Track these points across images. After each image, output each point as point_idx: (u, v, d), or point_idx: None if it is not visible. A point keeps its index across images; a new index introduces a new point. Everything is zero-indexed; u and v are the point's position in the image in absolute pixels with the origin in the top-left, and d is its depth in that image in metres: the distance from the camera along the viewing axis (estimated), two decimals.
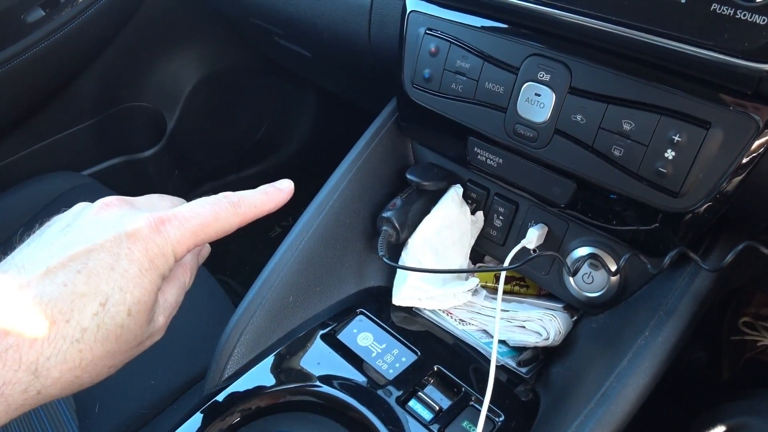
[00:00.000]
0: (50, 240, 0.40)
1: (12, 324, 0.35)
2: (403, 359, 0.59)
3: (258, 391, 0.56)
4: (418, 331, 0.63)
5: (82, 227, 0.41)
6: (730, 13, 0.40)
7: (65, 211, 0.44)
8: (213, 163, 1.55)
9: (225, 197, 0.45)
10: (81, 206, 0.44)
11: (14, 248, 0.42)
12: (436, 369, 0.58)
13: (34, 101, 1.18)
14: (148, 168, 1.41)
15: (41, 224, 0.43)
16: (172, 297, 0.45)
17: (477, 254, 0.71)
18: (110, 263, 0.39)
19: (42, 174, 1.14)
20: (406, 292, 0.63)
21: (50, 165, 1.23)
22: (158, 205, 0.47)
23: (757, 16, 0.39)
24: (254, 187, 0.47)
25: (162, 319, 0.44)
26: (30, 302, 0.36)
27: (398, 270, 0.66)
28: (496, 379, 0.53)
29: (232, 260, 1.52)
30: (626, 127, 0.49)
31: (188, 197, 1.38)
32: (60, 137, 1.26)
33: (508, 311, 0.64)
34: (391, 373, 0.58)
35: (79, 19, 1.10)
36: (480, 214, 0.68)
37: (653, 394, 0.50)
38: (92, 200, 0.45)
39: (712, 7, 0.41)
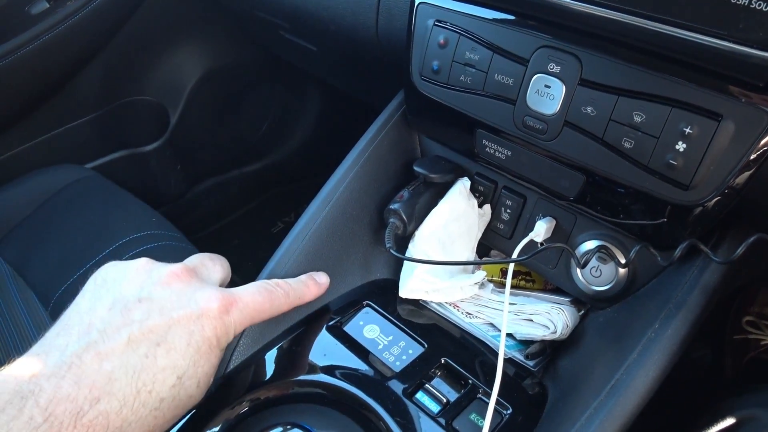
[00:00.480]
0: (127, 305, 0.44)
1: (103, 392, 0.39)
2: (410, 351, 0.59)
3: (264, 382, 0.56)
4: (424, 324, 0.63)
5: (159, 297, 0.45)
6: (744, 2, 0.40)
7: (127, 259, 0.48)
8: (216, 158, 1.55)
9: (278, 286, 0.52)
10: (145, 266, 0.48)
11: (78, 290, 0.46)
12: (443, 361, 0.58)
13: (37, 93, 1.18)
14: (151, 162, 1.41)
15: (96, 268, 0.48)
16: (213, 369, 0.49)
17: (484, 247, 0.71)
18: (187, 339, 0.43)
19: (45, 166, 1.14)
20: (412, 284, 0.63)
21: (53, 158, 1.23)
22: (211, 270, 0.52)
23: None
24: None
25: (211, 382, 0.48)
26: (118, 372, 0.40)
27: (405, 262, 0.66)
28: (504, 372, 0.53)
29: (236, 255, 1.52)
30: (637, 119, 0.49)
31: (190, 191, 1.38)
32: (63, 130, 1.26)
33: (515, 304, 0.64)
34: (398, 366, 0.57)
35: (83, 11, 1.10)
36: (487, 207, 0.68)
37: (659, 390, 0.49)
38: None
39: None
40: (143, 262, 0.49)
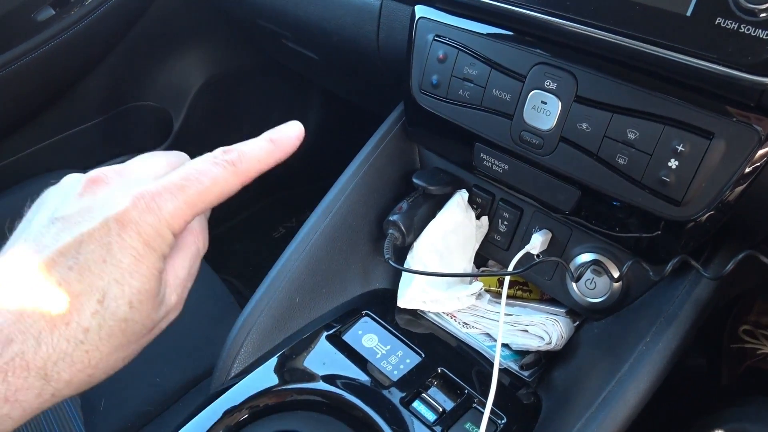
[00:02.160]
0: (40, 231, 0.37)
1: (14, 331, 0.34)
2: (408, 361, 0.60)
3: (264, 389, 0.57)
4: (422, 334, 0.64)
5: (69, 214, 0.37)
6: (734, 27, 0.41)
7: (53, 184, 0.40)
8: None
9: (221, 154, 0.40)
10: (67, 182, 0.40)
11: (7, 239, 0.38)
12: (440, 371, 0.59)
13: (42, 99, 1.19)
14: None
15: (29, 205, 0.40)
16: (183, 270, 0.41)
17: (481, 259, 0.72)
18: (102, 255, 0.36)
19: (49, 171, 1.15)
20: (411, 294, 0.64)
21: (57, 163, 1.24)
22: (154, 169, 0.41)
23: (760, 30, 0.40)
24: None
25: (174, 298, 0.41)
26: (28, 307, 0.35)
27: (403, 273, 0.67)
28: (499, 382, 0.54)
29: (236, 260, 1.53)
30: (631, 136, 0.50)
31: None
32: (67, 135, 1.27)
33: (511, 315, 0.65)
34: (395, 374, 0.58)
35: (88, 18, 1.11)
36: (485, 219, 0.69)
37: (653, 400, 0.50)
38: None
39: (717, 21, 0.42)
40: (68, 177, 0.41)
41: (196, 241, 0.42)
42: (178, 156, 0.43)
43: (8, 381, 0.33)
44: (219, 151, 0.40)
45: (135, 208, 0.36)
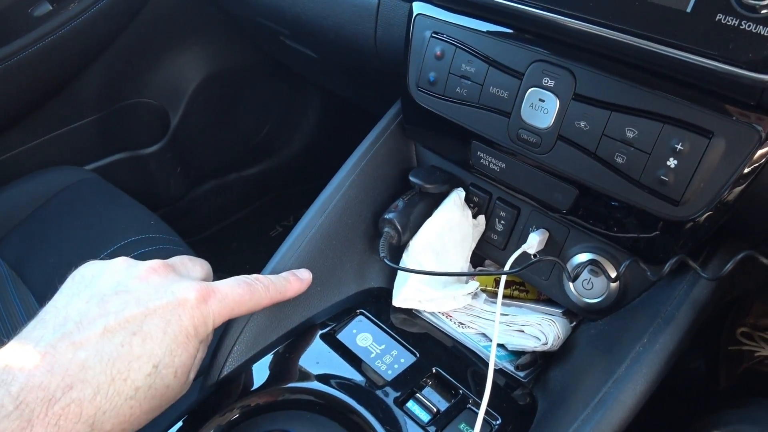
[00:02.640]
0: (104, 297, 0.44)
1: (76, 380, 0.39)
2: (402, 360, 0.59)
3: (257, 389, 0.56)
4: (417, 333, 0.63)
5: (136, 290, 0.45)
6: (734, 23, 0.41)
7: (105, 257, 0.50)
8: (215, 161, 1.55)
9: (257, 280, 0.52)
10: (124, 263, 0.49)
11: (56, 289, 0.46)
12: (434, 371, 0.59)
13: (39, 95, 1.19)
14: (151, 164, 1.41)
15: (76, 267, 0.48)
16: (200, 355, 0.49)
17: (478, 258, 0.72)
18: (163, 328, 0.43)
19: (45, 168, 1.15)
20: (406, 293, 0.64)
21: (53, 159, 1.24)
22: (193, 272, 0.52)
23: (761, 27, 0.40)
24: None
25: (192, 375, 0.48)
26: (92, 360, 0.40)
27: (399, 272, 0.66)
28: (494, 383, 0.53)
29: (234, 258, 1.53)
30: (629, 134, 0.49)
31: (189, 194, 1.39)
32: (63, 131, 1.27)
33: (507, 315, 0.64)
34: (389, 374, 0.58)
35: (85, 14, 1.11)
36: (481, 218, 0.68)
37: (650, 402, 0.50)
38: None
39: (717, 17, 0.41)
40: (121, 259, 0.49)
41: (211, 336, 0.51)
42: (205, 263, 0.55)
43: (59, 425, 0.37)
44: (254, 277, 0.53)
45: (195, 299, 0.45)
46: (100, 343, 0.41)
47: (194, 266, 0.53)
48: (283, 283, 0.55)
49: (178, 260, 0.52)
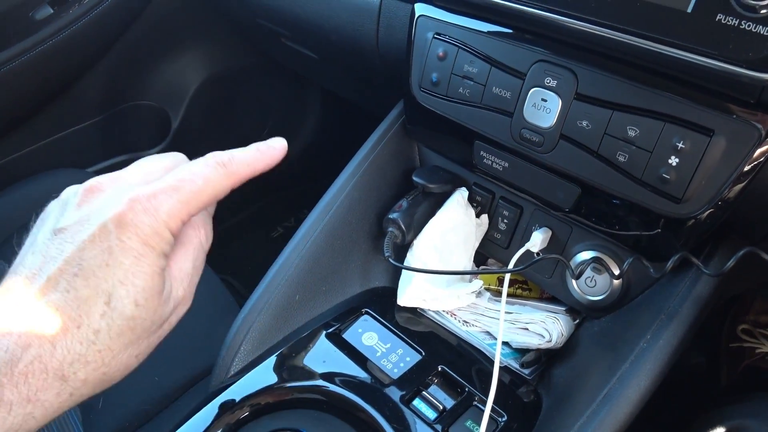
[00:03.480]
0: (45, 244, 0.39)
1: (31, 336, 0.36)
2: (408, 359, 0.60)
3: (264, 387, 0.57)
4: (422, 332, 0.64)
5: (69, 224, 0.39)
6: (734, 23, 0.41)
7: (54, 199, 0.42)
8: None
9: (213, 157, 0.42)
10: (68, 193, 0.42)
11: (16, 253, 0.41)
12: (440, 369, 0.59)
13: (40, 98, 1.19)
14: None
15: (34, 220, 0.43)
16: (187, 264, 0.43)
17: (481, 257, 0.72)
18: (104, 259, 0.38)
19: (47, 170, 1.15)
20: (411, 292, 0.64)
21: (55, 162, 1.24)
22: (149, 173, 0.43)
23: (761, 26, 0.40)
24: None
25: (181, 291, 0.42)
26: (42, 314, 0.37)
27: (403, 271, 0.67)
28: (499, 380, 0.54)
29: (235, 260, 1.53)
30: (631, 133, 0.50)
31: None
32: (65, 134, 1.27)
33: (511, 313, 0.65)
34: (395, 373, 0.58)
35: (86, 17, 1.11)
36: (485, 217, 0.69)
37: (653, 399, 0.50)
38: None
39: (717, 17, 0.42)
40: (67, 190, 0.43)
41: (199, 236, 0.44)
42: (174, 157, 0.45)
43: (29, 382, 0.36)
44: (210, 155, 0.42)
45: (131, 210, 0.38)
46: (48, 295, 0.37)
47: (150, 167, 0.44)
48: (249, 153, 0.44)
49: (132, 166, 0.44)
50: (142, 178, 0.42)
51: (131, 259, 0.38)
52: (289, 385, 0.57)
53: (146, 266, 0.38)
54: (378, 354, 0.60)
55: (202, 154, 0.45)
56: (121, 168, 0.43)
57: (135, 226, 0.38)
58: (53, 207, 0.42)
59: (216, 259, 0.67)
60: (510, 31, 0.58)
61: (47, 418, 0.37)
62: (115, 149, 1.37)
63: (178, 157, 0.45)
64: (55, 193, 1.08)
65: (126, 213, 0.38)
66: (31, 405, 0.36)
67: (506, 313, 0.64)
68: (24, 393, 0.36)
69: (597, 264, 0.59)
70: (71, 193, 0.42)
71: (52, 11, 1.08)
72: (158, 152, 1.39)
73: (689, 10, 0.43)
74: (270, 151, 0.45)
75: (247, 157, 0.44)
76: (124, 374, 0.40)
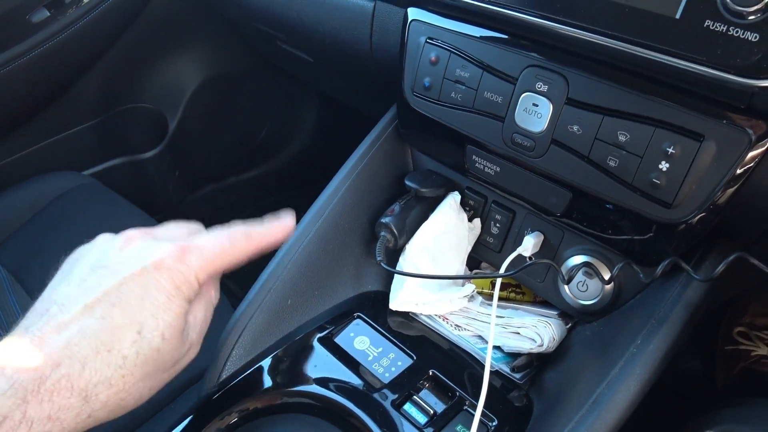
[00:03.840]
0: (83, 277, 0.44)
1: (63, 356, 0.39)
2: (399, 363, 0.60)
3: (255, 392, 0.57)
4: (414, 336, 0.64)
5: (112, 263, 0.45)
6: (722, 29, 0.41)
7: (88, 242, 0.49)
8: (213, 165, 1.56)
9: (237, 229, 0.50)
10: (105, 239, 0.48)
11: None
12: (431, 373, 0.59)
13: (37, 100, 1.19)
14: (149, 169, 1.42)
15: (66, 256, 0.48)
16: (200, 314, 0.49)
17: (473, 261, 0.72)
18: (141, 294, 0.43)
19: (43, 173, 1.15)
20: (403, 297, 0.64)
21: (52, 164, 1.24)
22: (176, 234, 0.51)
23: (749, 33, 0.40)
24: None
25: (194, 336, 0.48)
26: (76, 336, 0.41)
27: (395, 275, 0.67)
28: (490, 384, 0.54)
29: None
30: (621, 138, 0.50)
31: (188, 198, 1.39)
32: (62, 137, 1.27)
33: (503, 317, 0.65)
34: (386, 377, 0.58)
35: (83, 20, 1.11)
36: (477, 221, 0.69)
37: (647, 402, 0.50)
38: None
39: (705, 23, 0.42)
40: (102, 237, 0.49)
41: (210, 292, 0.51)
42: (196, 225, 0.53)
43: (53, 400, 0.39)
44: (235, 227, 0.50)
45: (169, 257, 0.45)
46: (82, 320, 0.41)
47: (178, 229, 0.52)
48: (265, 229, 0.52)
49: (160, 227, 0.52)
50: (172, 235, 0.49)
51: (164, 297, 0.43)
52: (280, 389, 0.57)
53: (175, 306, 0.44)
54: (370, 358, 0.61)
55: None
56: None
57: (170, 271, 0.44)
58: (87, 249, 0.48)
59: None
60: (502, 36, 0.58)
61: None
62: (112, 152, 1.37)
63: (199, 225, 0.53)
64: (53, 194, 1.07)
65: (165, 259, 0.44)
66: (50, 423, 0.38)
67: (498, 317, 0.64)
68: (46, 411, 0.38)
69: (588, 268, 0.60)
70: (107, 239, 0.48)
71: (48, 14, 1.08)
72: (156, 154, 1.40)
73: (677, 16, 0.43)
74: (281, 228, 0.53)
75: (266, 232, 0.52)
76: (137, 404, 0.44)
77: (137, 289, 0.43)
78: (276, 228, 0.53)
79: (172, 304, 0.44)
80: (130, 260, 0.45)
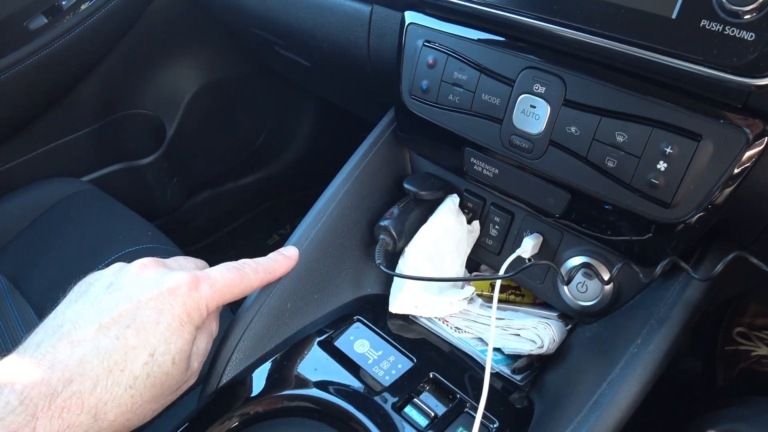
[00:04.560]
0: (98, 298, 0.46)
1: (75, 374, 0.40)
2: (399, 366, 0.60)
3: (255, 396, 0.56)
4: (414, 339, 0.64)
5: (127, 286, 0.47)
6: (718, 29, 0.42)
7: (103, 268, 0.51)
8: (211, 170, 1.56)
9: (245, 264, 0.53)
10: (119, 265, 0.50)
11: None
12: (431, 376, 0.59)
13: (35, 107, 1.19)
14: (147, 175, 1.42)
15: (78, 280, 0.50)
16: (203, 344, 0.50)
17: (473, 263, 0.72)
18: (155, 318, 0.44)
19: (42, 179, 1.15)
20: (402, 299, 0.64)
21: (50, 171, 1.24)
22: (186, 265, 0.53)
23: (744, 32, 0.40)
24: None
25: (196, 365, 0.49)
26: (89, 354, 0.41)
27: (395, 278, 0.67)
28: (491, 386, 0.54)
29: None
30: (619, 139, 0.50)
31: (186, 204, 1.39)
32: (60, 143, 1.27)
33: (503, 319, 0.65)
34: (387, 380, 0.58)
35: (80, 26, 1.11)
36: (476, 223, 0.69)
37: (648, 402, 0.50)
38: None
39: (701, 23, 0.42)
40: (116, 265, 0.51)
41: (212, 324, 0.52)
42: (202, 262, 0.56)
43: (63, 417, 0.39)
44: (242, 262, 0.54)
45: (185, 285, 0.47)
46: (96, 339, 0.42)
47: (187, 262, 0.55)
48: (271, 263, 0.56)
49: (171, 259, 0.54)
50: (182, 267, 0.52)
51: (177, 324, 0.45)
52: (280, 393, 0.57)
53: (186, 332, 0.46)
54: (370, 361, 0.60)
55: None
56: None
57: (183, 297, 0.46)
58: (102, 272, 0.50)
59: (212, 266, 0.67)
60: (499, 38, 0.58)
61: None
62: (110, 158, 1.37)
63: (204, 263, 0.56)
64: (51, 200, 1.07)
65: (180, 286, 0.46)
66: None
67: (498, 319, 0.64)
68: (56, 428, 0.39)
69: (588, 269, 0.60)
70: (121, 265, 0.50)
71: (46, 21, 1.08)
72: (154, 160, 1.41)
73: (674, 16, 0.43)
74: (284, 260, 0.58)
75: (270, 265, 0.56)
76: (140, 424, 0.45)
77: (152, 313, 0.44)
78: (281, 262, 0.57)
79: (184, 331, 0.45)
80: (146, 285, 0.46)
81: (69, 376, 0.40)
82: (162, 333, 0.44)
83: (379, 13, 0.74)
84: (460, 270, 0.68)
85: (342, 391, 0.57)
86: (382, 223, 0.66)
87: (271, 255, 0.58)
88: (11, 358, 0.42)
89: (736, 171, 0.46)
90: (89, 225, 1.03)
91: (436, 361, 0.61)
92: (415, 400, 0.57)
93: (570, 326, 0.65)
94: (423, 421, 0.55)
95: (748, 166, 0.46)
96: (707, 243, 0.56)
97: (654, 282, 0.55)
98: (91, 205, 1.08)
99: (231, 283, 0.50)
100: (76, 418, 0.39)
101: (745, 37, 0.41)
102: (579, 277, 0.61)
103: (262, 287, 0.56)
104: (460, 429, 0.55)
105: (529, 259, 0.63)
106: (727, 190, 0.47)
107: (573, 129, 0.53)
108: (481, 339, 0.65)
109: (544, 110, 0.54)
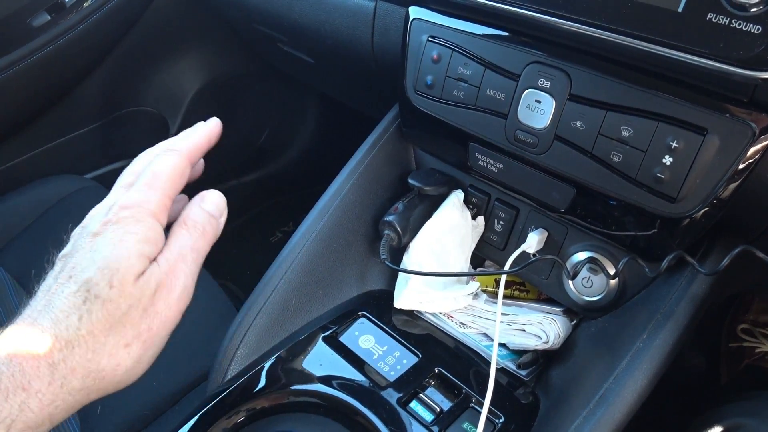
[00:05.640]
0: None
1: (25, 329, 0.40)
2: (405, 361, 0.60)
3: (261, 391, 0.57)
4: (419, 334, 0.64)
5: (79, 252, 0.44)
6: (725, 22, 0.41)
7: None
8: (214, 167, 1.54)
9: (160, 146, 0.49)
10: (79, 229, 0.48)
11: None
12: (437, 371, 0.59)
13: (38, 104, 1.19)
14: None
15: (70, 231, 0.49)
16: (173, 252, 0.45)
17: (477, 259, 0.72)
18: (89, 250, 0.42)
19: (45, 177, 1.15)
20: (407, 295, 0.64)
21: (53, 168, 1.24)
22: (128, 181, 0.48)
23: (751, 25, 0.40)
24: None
25: (166, 265, 0.44)
26: (39, 306, 0.41)
27: (400, 273, 0.67)
28: (497, 382, 0.54)
29: (233, 264, 1.53)
30: (625, 133, 0.50)
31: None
32: (63, 140, 1.27)
33: (508, 315, 0.65)
34: (392, 375, 0.58)
35: (84, 23, 1.11)
36: (481, 218, 0.69)
37: (652, 399, 0.50)
38: (95, 203, 0.47)
39: (708, 16, 0.42)
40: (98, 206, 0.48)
41: (188, 228, 0.47)
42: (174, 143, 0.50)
43: (24, 370, 0.38)
44: (157, 145, 0.50)
45: (114, 214, 0.44)
46: (52, 291, 0.41)
47: (146, 157, 0.49)
48: (191, 132, 0.51)
49: (127, 173, 0.49)
50: (126, 183, 0.48)
51: (110, 247, 0.42)
52: (285, 388, 0.57)
53: (124, 250, 0.42)
54: (375, 357, 0.60)
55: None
56: (119, 174, 0.50)
57: (116, 223, 0.43)
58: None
59: (215, 264, 0.67)
60: (503, 33, 0.58)
61: (43, 411, 0.39)
62: (113, 155, 1.37)
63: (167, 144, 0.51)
64: (54, 198, 1.07)
65: (111, 219, 0.44)
66: (25, 393, 0.38)
67: (503, 314, 0.64)
68: (19, 380, 0.38)
69: (593, 264, 0.60)
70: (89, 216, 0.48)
71: (49, 18, 1.08)
72: None
73: (680, 9, 0.43)
74: (208, 129, 0.53)
75: (192, 135, 0.51)
76: (116, 368, 0.42)
77: (87, 251, 0.42)
78: (198, 132, 0.52)
79: (120, 250, 0.42)
80: (90, 221, 0.46)
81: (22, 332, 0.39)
82: (96, 263, 0.41)
83: (383, 9, 0.74)
84: (464, 265, 0.68)
85: (347, 386, 0.57)
86: (386, 219, 0.66)
87: (191, 128, 0.52)
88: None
89: (742, 165, 0.46)
90: None
91: (442, 357, 0.61)
92: (420, 395, 0.57)
93: (575, 321, 0.65)
94: (428, 416, 0.55)
95: (754, 161, 0.46)
96: (713, 237, 0.55)
97: (659, 277, 0.55)
98: (95, 203, 1.08)
99: (156, 173, 0.46)
100: (36, 370, 0.39)
101: (752, 30, 0.41)
102: (584, 272, 0.61)
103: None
104: (466, 424, 0.55)
105: (534, 255, 0.63)
106: (733, 185, 0.47)
107: (578, 123, 0.53)
108: (486, 334, 0.65)
109: (549, 105, 0.54)
